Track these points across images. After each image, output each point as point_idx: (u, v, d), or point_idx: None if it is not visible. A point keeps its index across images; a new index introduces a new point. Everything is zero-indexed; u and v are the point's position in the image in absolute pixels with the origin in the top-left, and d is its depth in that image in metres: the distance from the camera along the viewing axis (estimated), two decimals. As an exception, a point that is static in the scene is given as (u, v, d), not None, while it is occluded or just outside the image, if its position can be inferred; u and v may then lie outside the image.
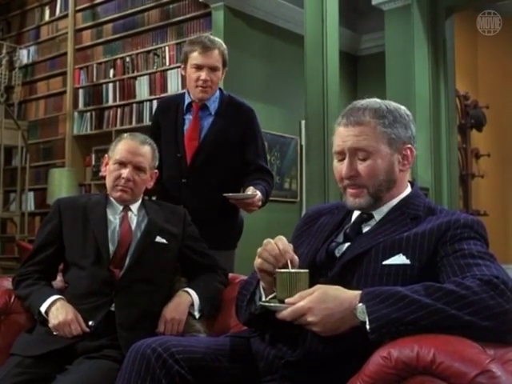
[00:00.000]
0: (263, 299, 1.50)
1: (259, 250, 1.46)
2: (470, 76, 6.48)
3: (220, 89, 2.69)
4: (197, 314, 2.07)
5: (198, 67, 2.54)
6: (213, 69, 2.56)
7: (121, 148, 2.12)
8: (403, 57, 4.87)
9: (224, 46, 2.65)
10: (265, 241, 1.45)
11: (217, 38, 2.70)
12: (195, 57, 2.55)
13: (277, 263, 1.41)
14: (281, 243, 1.43)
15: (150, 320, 2.00)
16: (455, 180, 5.27)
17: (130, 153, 2.11)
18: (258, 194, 2.42)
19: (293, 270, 1.39)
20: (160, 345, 1.42)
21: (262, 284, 1.51)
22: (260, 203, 2.44)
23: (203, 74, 2.53)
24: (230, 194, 2.41)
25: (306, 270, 1.40)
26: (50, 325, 1.91)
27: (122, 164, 2.10)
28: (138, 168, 2.11)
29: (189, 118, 2.63)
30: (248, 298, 1.57)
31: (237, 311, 1.67)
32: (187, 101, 2.64)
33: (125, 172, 2.09)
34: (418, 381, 1.17)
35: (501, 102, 6.48)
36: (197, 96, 2.58)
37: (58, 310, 1.92)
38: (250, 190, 2.41)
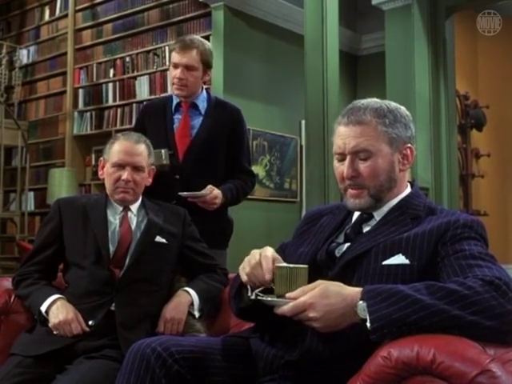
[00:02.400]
0: (249, 294, 1.49)
1: (246, 261, 1.47)
2: (470, 76, 6.48)
3: (207, 91, 2.75)
4: (196, 314, 2.07)
5: (175, 65, 2.61)
6: (188, 68, 2.60)
7: (117, 150, 2.11)
8: (403, 57, 4.87)
9: (206, 46, 2.68)
10: (251, 254, 1.46)
11: (202, 40, 2.73)
12: (173, 56, 2.63)
13: (263, 282, 1.42)
14: (265, 262, 1.43)
15: (150, 320, 2.00)
16: (455, 180, 5.27)
17: (126, 154, 2.10)
18: (215, 191, 2.48)
19: (292, 265, 1.39)
20: (160, 344, 1.42)
21: None
22: (218, 201, 2.50)
23: (178, 72, 2.59)
24: (185, 193, 2.45)
25: (306, 266, 1.39)
26: (51, 324, 1.91)
27: (120, 166, 2.09)
28: (137, 168, 2.11)
29: (178, 117, 2.67)
30: (234, 292, 1.57)
31: (229, 299, 1.68)
32: (175, 101, 2.69)
33: (124, 174, 2.08)
34: (418, 381, 1.17)
35: (501, 102, 6.48)
36: (175, 93, 2.66)
37: (58, 309, 1.92)
38: (207, 189, 2.47)
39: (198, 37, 2.75)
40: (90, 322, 1.92)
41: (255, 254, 1.47)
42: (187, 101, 2.66)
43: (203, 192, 2.47)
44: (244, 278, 1.46)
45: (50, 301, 1.94)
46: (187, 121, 2.65)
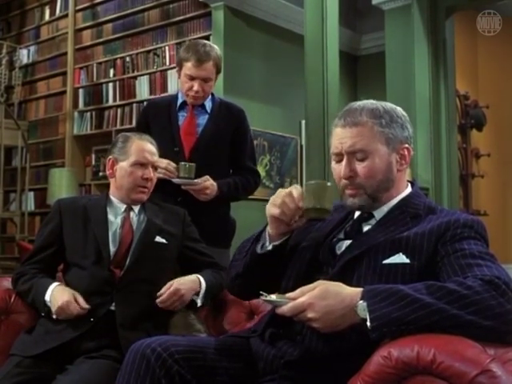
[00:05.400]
0: (267, 244, 1.54)
1: (275, 198, 1.50)
2: (470, 76, 6.48)
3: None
4: (199, 303, 2.07)
5: (192, 78, 2.58)
6: (205, 80, 2.60)
7: (138, 149, 2.13)
8: (403, 57, 4.87)
9: (219, 52, 2.67)
10: (277, 192, 1.50)
11: (213, 46, 2.69)
12: (189, 67, 2.58)
13: (293, 216, 1.48)
14: (295, 190, 1.48)
15: (150, 319, 2.00)
16: (455, 180, 5.27)
17: (148, 153, 2.14)
18: (208, 182, 2.50)
19: (320, 181, 1.49)
20: (159, 344, 1.42)
21: (268, 230, 1.54)
22: (209, 191, 2.51)
23: (196, 86, 2.57)
24: (177, 180, 2.48)
25: (333, 185, 1.48)
26: (53, 311, 1.91)
27: (142, 165, 2.12)
28: (155, 167, 2.17)
29: (183, 114, 2.68)
30: (249, 246, 1.59)
31: (229, 271, 1.69)
32: (181, 99, 2.69)
33: (147, 172, 2.12)
34: (418, 380, 1.17)
35: (501, 102, 6.48)
36: (188, 102, 2.65)
37: (55, 297, 1.92)
38: (202, 179, 2.49)
39: (208, 43, 2.70)
40: (88, 306, 1.92)
41: (281, 190, 1.50)
42: None
43: (195, 181, 2.48)
44: (275, 211, 1.48)
45: (51, 289, 1.95)
46: (193, 119, 2.66)
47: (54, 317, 1.93)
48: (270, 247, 1.54)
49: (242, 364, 1.51)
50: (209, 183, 2.51)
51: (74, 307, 1.90)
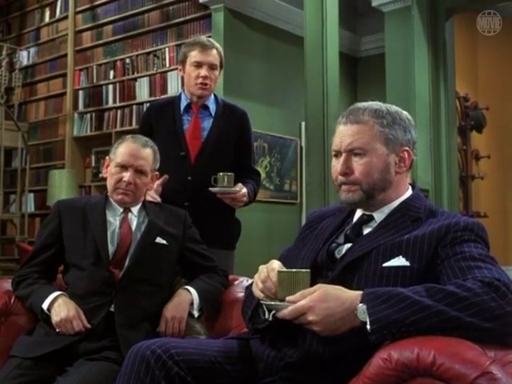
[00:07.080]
0: (266, 316, 1.51)
1: (256, 278, 1.49)
2: (470, 77, 6.48)
3: (214, 93, 2.76)
4: (196, 313, 2.07)
5: (198, 65, 2.61)
6: (212, 67, 2.63)
7: (122, 151, 2.11)
8: (403, 58, 4.87)
9: (220, 48, 2.73)
10: (259, 270, 1.49)
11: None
12: (195, 55, 2.61)
13: (275, 293, 1.43)
14: (273, 274, 1.44)
15: (150, 321, 2.00)
16: (455, 182, 5.26)
17: (131, 156, 2.10)
18: (244, 189, 2.52)
19: (293, 270, 1.40)
20: (159, 346, 1.42)
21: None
22: (245, 199, 2.54)
23: (203, 71, 2.60)
24: (216, 188, 2.47)
25: (308, 270, 1.40)
26: (53, 322, 1.91)
27: (123, 167, 2.10)
28: (140, 171, 2.11)
29: (187, 118, 2.67)
30: (250, 314, 1.57)
31: (243, 315, 1.68)
32: (185, 102, 2.69)
33: (126, 175, 2.08)
34: (418, 383, 1.17)
35: (501, 104, 6.48)
36: (196, 94, 2.64)
37: (59, 307, 1.92)
38: (238, 186, 2.50)
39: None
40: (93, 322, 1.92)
41: (263, 269, 1.49)
42: (198, 102, 2.66)
43: (235, 189, 2.49)
44: (260, 294, 1.47)
45: (51, 298, 1.95)
46: (198, 122, 2.66)
47: (53, 323, 1.92)
48: (270, 318, 1.49)
49: (242, 366, 1.51)
50: (245, 191, 2.53)
51: (76, 324, 1.89)
